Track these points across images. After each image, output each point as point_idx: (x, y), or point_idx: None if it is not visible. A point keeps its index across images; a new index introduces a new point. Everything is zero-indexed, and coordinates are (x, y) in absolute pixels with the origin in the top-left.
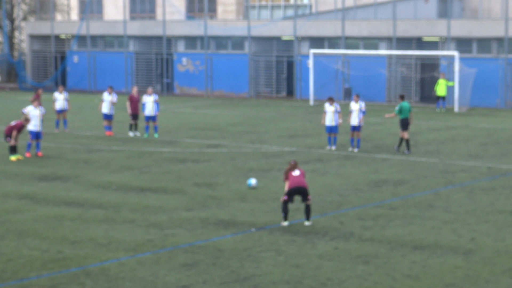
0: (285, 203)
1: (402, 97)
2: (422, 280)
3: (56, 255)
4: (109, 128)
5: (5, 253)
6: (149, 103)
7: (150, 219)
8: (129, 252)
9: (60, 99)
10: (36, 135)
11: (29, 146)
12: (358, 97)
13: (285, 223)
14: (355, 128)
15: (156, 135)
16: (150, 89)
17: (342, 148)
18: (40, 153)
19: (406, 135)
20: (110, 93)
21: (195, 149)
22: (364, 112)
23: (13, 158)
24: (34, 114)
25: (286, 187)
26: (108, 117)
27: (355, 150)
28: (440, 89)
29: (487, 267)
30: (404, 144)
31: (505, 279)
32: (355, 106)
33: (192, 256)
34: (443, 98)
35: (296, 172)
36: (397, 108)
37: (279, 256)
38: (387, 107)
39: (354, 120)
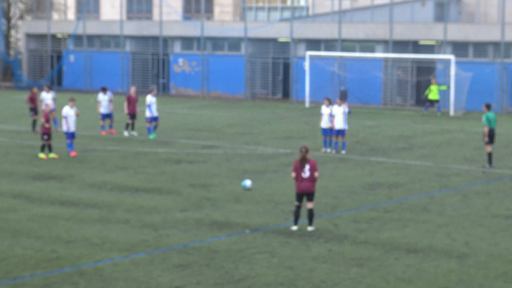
0: (297, 208)
1: (488, 107)
2: (415, 284)
3: (50, 255)
4: (111, 126)
5: None
6: (154, 104)
7: (145, 220)
8: (123, 252)
9: (48, 98)
10: (72, 135)
11: (70, 145)
12: (342, 101)
13: (294, 227)
14: (339, 132)
15: (154, 135)
16: (155, 90)
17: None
18: (73, 153)
19: (489, 148)
20: (105, 93)
21: (190, 150)
22: (349, 112)
23: (52, 155)
24: (70, 114)
25: (293, 173)
26: (108, 116)
27: (343, 151)
28: (432, 94)
29: (481, 271)
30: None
31: (498, 283)
32: (339, 110)
33: (186, 257)
34: (437, 101)
35: (306, 173)
36: (484, 119)
37: (273, 258)
38: (383, 110)
39: (338, 123)
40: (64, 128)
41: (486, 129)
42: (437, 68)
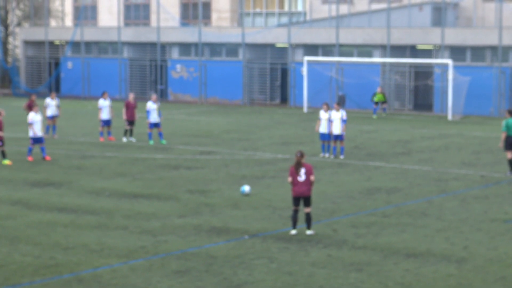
0: (295, 212)
1: (510, 113)
2: None
3: (49, 261)
4: (109, 133)
5: None
6: (154, 110)
7: (143, 226)
8: (122, 259)
9: (52, 105)
10: (39, 140)
11: (30, 150)
12: (339, 106)
13: (293, 232)
14: (338, 137)
15: (164, 142)
16: (155, 96)
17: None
18: (48, 157)
19: (510, 154)
20: (106, 99)
21: (188, 155)
22: (344, 121)
23: (6, 162)
24: (36, 120)
25: (289, 178)
26: (108, 123)
27: (341, 156)
28: (378, 97)
29: (479, 275)
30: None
31: (497, 287)
32: (337, 115)
33: (185, 263)
34: (384, 102)
35: (302, 177)
36: (503, 125)
37: (272, 264)
38: (381, 115)
39: (336, 129)
40: (31, 134)
41: (503, 135)
42: (435, 73)
